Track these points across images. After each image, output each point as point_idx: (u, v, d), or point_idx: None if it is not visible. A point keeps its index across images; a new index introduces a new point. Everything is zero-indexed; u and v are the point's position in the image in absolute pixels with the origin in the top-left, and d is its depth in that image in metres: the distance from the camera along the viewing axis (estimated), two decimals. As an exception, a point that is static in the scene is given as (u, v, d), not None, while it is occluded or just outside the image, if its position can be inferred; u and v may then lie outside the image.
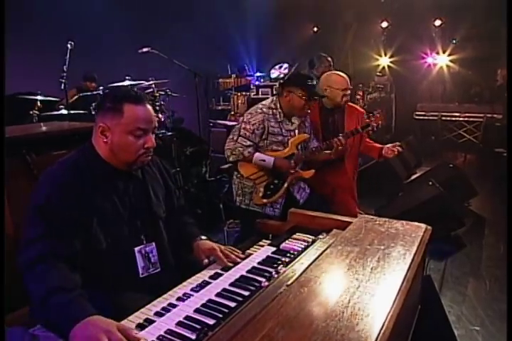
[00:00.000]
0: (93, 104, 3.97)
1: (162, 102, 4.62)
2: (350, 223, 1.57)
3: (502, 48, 7.64)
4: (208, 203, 3.71)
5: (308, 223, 1.70)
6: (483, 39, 8.91)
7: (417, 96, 9.34)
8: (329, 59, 3.89)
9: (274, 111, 2.51)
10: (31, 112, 4.06)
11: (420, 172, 5.61)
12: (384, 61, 9.73)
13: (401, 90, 9.29)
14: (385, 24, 9.72)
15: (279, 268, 1.35)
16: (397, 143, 2.79)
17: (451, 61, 9.31)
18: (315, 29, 10.18)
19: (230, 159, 2.51)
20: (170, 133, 3.67)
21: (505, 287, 2.81)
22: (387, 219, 1.59)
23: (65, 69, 3.74)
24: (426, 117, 8.69)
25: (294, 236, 1.62)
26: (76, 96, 4.40)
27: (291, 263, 1.35)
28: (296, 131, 2.57)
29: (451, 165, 4.77)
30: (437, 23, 9.20)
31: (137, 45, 4.39)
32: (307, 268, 1.25)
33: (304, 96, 2.44)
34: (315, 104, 2.87)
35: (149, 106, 1.48)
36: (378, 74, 9.60)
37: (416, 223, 1.56)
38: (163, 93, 4.52)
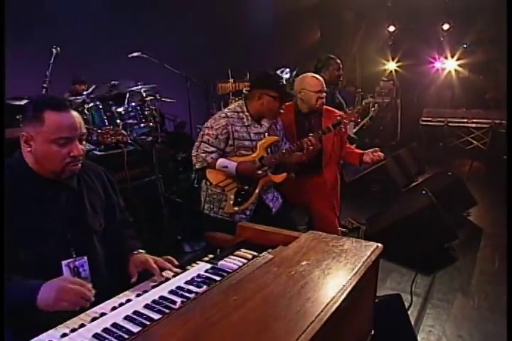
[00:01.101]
0: (80, 109, 3.94)
1: (153, 107, 4.55)
2: (297, 238, 1.44)
3: (512, 52, 7.44)
4: (191, 211, 3.60)
5: (257, 238, 1.57)
6: (492, 43, 8.68)
7: (424, 102, 9.13)
8: (338, 61, 3.65)
9: (241, 114, 2.39)
10: (18, 117, 4.02)
11: (420, 180, 5.43)
12: (391, 66, 9.55)
13: (407, 95, 9.10)
14: (392, 28, 9.53)
15: (202, 288, 1.23)
16: (377, 148, 2.64)
17: (459, 65, 9.10)
18: (319, 33, 10.04)
19: (196, 166, 2.41)
20: (150, 139, 3.57)
21: (494, 305, 2.64)
22: (336, 236, 1.45)
23: (47, 74, 3.68)
24: (432, 123, 8.45)
25: (238, 252, 1.49)
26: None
27: (217, 284, 1.22)
28: (266, 134, 2.45)
29: (450, 173, 4.58)
30: (445, 26, 8.99)
31: (132, 48, 4.36)
32: (229, 289, 1.12)
33: (278, 97, 2.32)
34: (290, 108, 2.77)
35: (74, 113, 1.41)
36: (384, 79, 9.43)
37: (367, 241, 1.42)
38: (152, 98, 4.43)
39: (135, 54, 4.43)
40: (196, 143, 2.40)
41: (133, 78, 4.54)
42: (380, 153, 2.58)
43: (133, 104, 4.30)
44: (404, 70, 9.27)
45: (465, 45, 8.99)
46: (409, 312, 2.54)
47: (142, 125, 4.29)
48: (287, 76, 7.28)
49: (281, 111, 2.42)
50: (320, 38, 10.00)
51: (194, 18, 6.47)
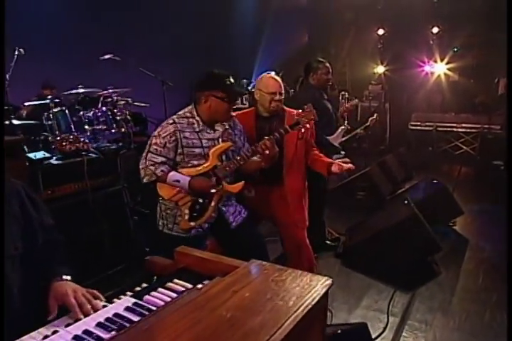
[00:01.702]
0: (45, 114, 3.73)
1: (127, 112, 4.35)
2: (236, 268, 1.24)
3: (502, 56, 7.30)
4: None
5: (195, 265, 1.37)
6: (482, 47, 8.58)
7: (413, 106, 8.99)
8: (327, 65, 3.44)
9: (191, 120, 2.18)
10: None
11: (406, 187, 5.26)
12: (380, 69, 9.41)
13: (396, 99, 8.96)
14: (381, 31, 9.40)
15: (111, 334, 1.03)
16: (347, 159, 2.45)
17: (449, 69, 8.98)
18: (307, 36, 9.89)
19: (144, 180, 2.18)
20: (114, 147, 3.36)
21: (476, 326, 2.46)
22: (280, 268, 1.24)
23: (7, 77, 3.47)
24: (421, 127, 8.31)
25: (169, 284, 1.29)
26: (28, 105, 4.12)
27: (132, 326, 1.03)
28: (220, 140, 2.23)
29: (435, 181, 4.40)
30: (435, 30, 8.89)
31: (105, 50, 4.17)
32: (145, 333, 0.93)
33: (226, 97, 2.12)
34: (251, 113, 2.58)
35: None
36: (373, 82, 9.29)
37: (314, 275, 1.21)
38: (124, 102, 4.23)
39: (107, 56, 4.23)
40: (143, 154, 2.18)
41: (106, 82, 4.33)
42: (350, 165, 2.39)
43: (104, 108, 4.10)
44: (393, 74, 9.13)
45: (455, 49, 8.88)
46: (383, 335, 2.37)
47: (113, 131, 4.09)
48: (273, 79, 7.13)
49: (233, 113, 2.23)
50: (308, 41, 9.84)
51: (176, 19, 6.27)
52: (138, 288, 1.36)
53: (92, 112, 3.90)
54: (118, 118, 4.19)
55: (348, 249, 3.48)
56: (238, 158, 2.19)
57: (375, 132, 8.51)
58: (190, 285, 1.28)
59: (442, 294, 2.85)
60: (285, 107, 2.60)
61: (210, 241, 2.61)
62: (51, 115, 3.66)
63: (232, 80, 2.14)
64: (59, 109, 3.74)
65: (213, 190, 2.13)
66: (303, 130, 2.21)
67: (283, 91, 2.50)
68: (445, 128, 8.12)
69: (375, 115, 4.27)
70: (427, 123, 8.25)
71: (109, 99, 4.18)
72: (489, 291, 2.85)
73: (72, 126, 3.76)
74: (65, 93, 3.93)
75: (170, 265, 1.45)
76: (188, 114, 2.20)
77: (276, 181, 2.57)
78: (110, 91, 4.12)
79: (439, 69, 8.99)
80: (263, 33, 8.49)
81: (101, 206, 3.08)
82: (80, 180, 2.97)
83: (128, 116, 4.39)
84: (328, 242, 3.72)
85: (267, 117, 2.56)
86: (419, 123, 8.37)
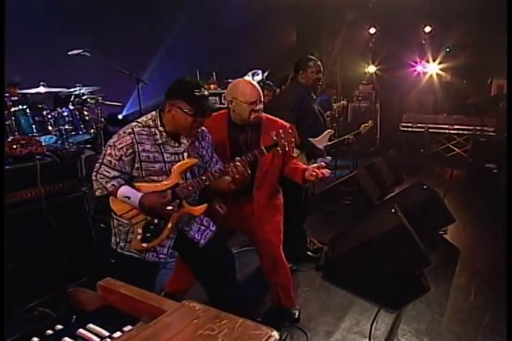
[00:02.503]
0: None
1: (98, 112, 4.07)
2: (164, 312, 0.97)
3: (495, 57, 7.11)
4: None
5: (120, 304, 1.11)
6: (475, 47, 8.39)
7: (405, 107, 8.78)
8: (319, 63, 3.15)
9: (153, 130, 1.89)
10: None
11: (396, 192, 5.02)
12: (371, 69, 9.19)
13: (387, 100, 8.76)
14: (372, 30, 9.20)
15: None
16: (323, 163, 2.18)
17: (441, 70, 8.79)
18: (295, 34, 9.63)
19: (96, 193, 1.91)
20: (73, 150, 3.07)
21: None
22: (217, 315, 0.97)
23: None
24: (412, 129, 8.09)
25: (81, 331, 1.03)
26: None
27: None
28: (186, 155, 1.95)
29: (425, 187, 4.15)
30: (427, 29, 8.70)
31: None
32: None
33: (191, 111, 1.83)
34: (222, 118, 2.29)
35: None
36: (363, 82, 9.07)
37: (258, 325, 0.94)
38: (93, 101, 3.94)
39: (76, 51, 3.94)
40: (96, 165, 1.91)
41: (76, 80, 4.03)
42: (324, 170, 2.11)
43: (71, 107, 3.81)
44: (384, 74, 8.94)
45: (447, 49, 8.71)
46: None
47: (81, 132, 3.81)
48: (258, 78, 6.85)
49: (198, 130, 1.96)
50: (296, 39, 9.58)
51: (158, 15, 5.98)
52: (49, 332, 1.10)
53: (55, 112, 3.61)
54: (87, 118, 3.91)
55: (329, 261, 3.22)
56: (204, 177, 1.91)
57: (365, 133, 8.29)
58: (106, 333, 1.01)
59: (430, 314, 2.59)
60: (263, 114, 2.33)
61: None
62: (11, 114, 3.37)
63: (203, 93, 1.86)
64: (19, 107, 3.45)
65: (169, 208, 1.86)
66: (280, 152, 1.93)
67: (262, 98, 2.20)
68: (437, 130, 7.94)
69: (370, 122, 4.01)
70: (419, 125, 8.06)
71: (77, 99, 3.89)
72: (481, 310, 2.61)
73: (34, 127, 3.46)
74: (23, 91, 3.62)
75: (94, 301, 1.18)
76: (151, 123, 1.91)
77: (246, 196, 2.30)
78: (77, 88, 3.83)
79: (431, 69, 8.82)
80: (249, 31, 8.21)
81: (58, 214, 2.79)
82: (33, 187, 2.68)
83: (100, 117, 4.12)
84: (309, 253, 3.47)
85: (241, 125, 2.26)
86: (410, 125, 8.17)
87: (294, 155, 2.44)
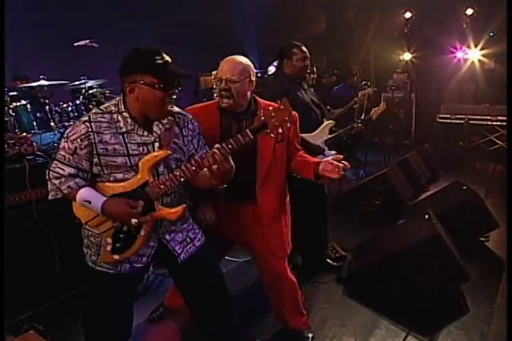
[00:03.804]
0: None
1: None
2: None
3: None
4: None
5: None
6: (522, 30, 7.66)
7: (443, 97, 8.19)
8: (304, 49, 2.85)
9: (115, 116, 1.57)
10: None
11: (432, 191, 4.55)
12: (406, 56, 8.62)
13: (424, 89, 8.21)
14: (408, 14, 8.59)
15: None
16: (339, 155, 1.81)
17: (484, 56, 8.12)
18: (325, 22, 9.15)
19: (49, 197, 1.66)
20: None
21: None
22: None
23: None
24: (451, 120, 7.52)
25: None
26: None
27: None
28: (157, 145, 1.62)
29: (464, 187, 3.70)
30: (469, 12, 8.03)
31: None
32: None
33: (158, 83, 1.50)
34: (213, 105, 1.98)
35: None
36: (398, 70, 8.50)
37: None
38: (101, 95, 3.71)
39: (82, 42, 3.71)
40: (51, 162, 1.63)
41: (82, 72, 3.80)
42: (342, 164, 1.74)
43: (77, 102, 3.59)
44: (420, 61, 8.35)
45: (491, 33, 8.02)
46: None
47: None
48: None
49: (172, 108, 1.62)
50: (326, 27, 9.10)
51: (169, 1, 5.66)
52: None
53: (59, 106, 3.40)
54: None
55: (352, 274, 2.86)
56: (177, 172, 1.58)
57: (399, 126, 7.80)
58: None
59: (469, 342, 2.21)
60: (259, 99, 2.00)
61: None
62: (11, 110, 3.18)
63: (166, 58, 1.52)
64: (19, 103, 3.25)
65: (134, 221, 1.56)
66: (272, 135, 1.57)
67: (236, 78, 1.86)
68: (478, 121, 7.33)
69: (382, 104, 3.60)
70: (458, 116, 7.47)
71: (83, 92, 3.67)
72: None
73: (35, 124, 3.25)
74: (23, 86, 3.42)
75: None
76: (113, 108, 1.58)
77: (248, 198, 1.98)
78: (82, 81, 3.59)
79: (472, 55, 8.15)
80: (275, 19, 7.79)
81: (50, 220, 2.58)
82: (20, 191, 2.47)
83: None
84: (329, 261, 3.11)
85: (232, 112, 1.95)
86: (448, 116, 7.59)
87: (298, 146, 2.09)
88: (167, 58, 1.53)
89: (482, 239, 3.52)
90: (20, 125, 3.22)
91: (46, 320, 2.42)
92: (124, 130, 1.57)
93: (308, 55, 2.81)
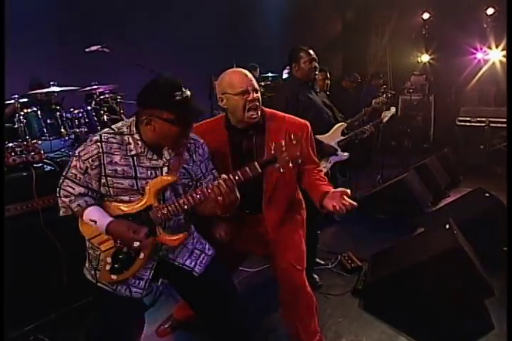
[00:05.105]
0: (16, 116, 3.23)
1: (122, 112, 3.79)
2: None
3: None
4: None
5: None
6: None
7: (462, 99, 7.98)
8: (311, 51, 2.85)
9: (127, 138, 1.54)
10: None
11: (453, 198, 4.39)
12: (424, 58, 8.45)
13: (442, 91, 8.04)
14: (426, 15, 8.42)
15: None
16: (347, 190, 1.68)
17: (505, 57, 7.88)
18: (341, 24, 9.05)
19: (60, 213, 1.65)
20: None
21: None
22: None
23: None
24: (471, 123, 7.31)
25: None
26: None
27: None
28: (165, 170, 1.59)
29: (487, 195, 3.54)
30: (490, 11, 7.81)
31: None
32: None
33: (176, 120, 1.46)
34: (220, 122, 1.89)
35: None
36: (415, 72, 8.33)
37: None
38: (114, 101, 3.67)
39: (94, 48, 3.67)
40: (61, 179, 1.61)
41: (93, 78, 3.77)
42: (348, 202, 1.64)
43: (88, 108, 3.56)
44: (439, 63, 8.20)
45: (513, 33, 7.78)
46: None
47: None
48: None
49: (186, 139, 1.58)
50: (342, 29, 8.98)
51: (188, 5, 5.61)
52: None
53: (70, 113, 3.36)
54: (105, 119, 3.64)
55: (369, 286, 2.74)
56: (182, 200, 1.54)
57: (418, 129, 7.63)
58: None
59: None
60: (267, 110, 1.91)
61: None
62: (21, 117, 3.16)
63: (186, 93, 1.48)
64: (31, 109, 3.22)
65: (136, 244, 1.50)
66: (281, 170, 1.47)
67: (257, 87, 1.79)
68: (500, 124, 7.09)
69: (392, 108, 3.54)
70: (479, 119, 7.25)
71: (97, 98, 3.63)
72: None
73: (45, 130, 3.22)
74: (32, 92, 3.39)
75: None
76: (125, 129, 1.56)
77: (254, 213, 1.90)
78: (94, 87, 3.56)
79: (493, 56, 7.93)
80: (289, 21, 7.72)
81: (57, 229, 2.53)
82: (28, 199, 2.43)
83: (123, 116, 3.85)
84: (317, 279, 2.96)
85: (242, 129, 1.87)
86: (468, 119, 7.38)
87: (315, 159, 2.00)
88: (187, 93, 1.49)
89: (506, 249, 3.36)
90: (31, 132, 3.18)
91: (52, 331, 2.38)
92: (133, 152, 1.55)
93: (315, 57, 2.82)
